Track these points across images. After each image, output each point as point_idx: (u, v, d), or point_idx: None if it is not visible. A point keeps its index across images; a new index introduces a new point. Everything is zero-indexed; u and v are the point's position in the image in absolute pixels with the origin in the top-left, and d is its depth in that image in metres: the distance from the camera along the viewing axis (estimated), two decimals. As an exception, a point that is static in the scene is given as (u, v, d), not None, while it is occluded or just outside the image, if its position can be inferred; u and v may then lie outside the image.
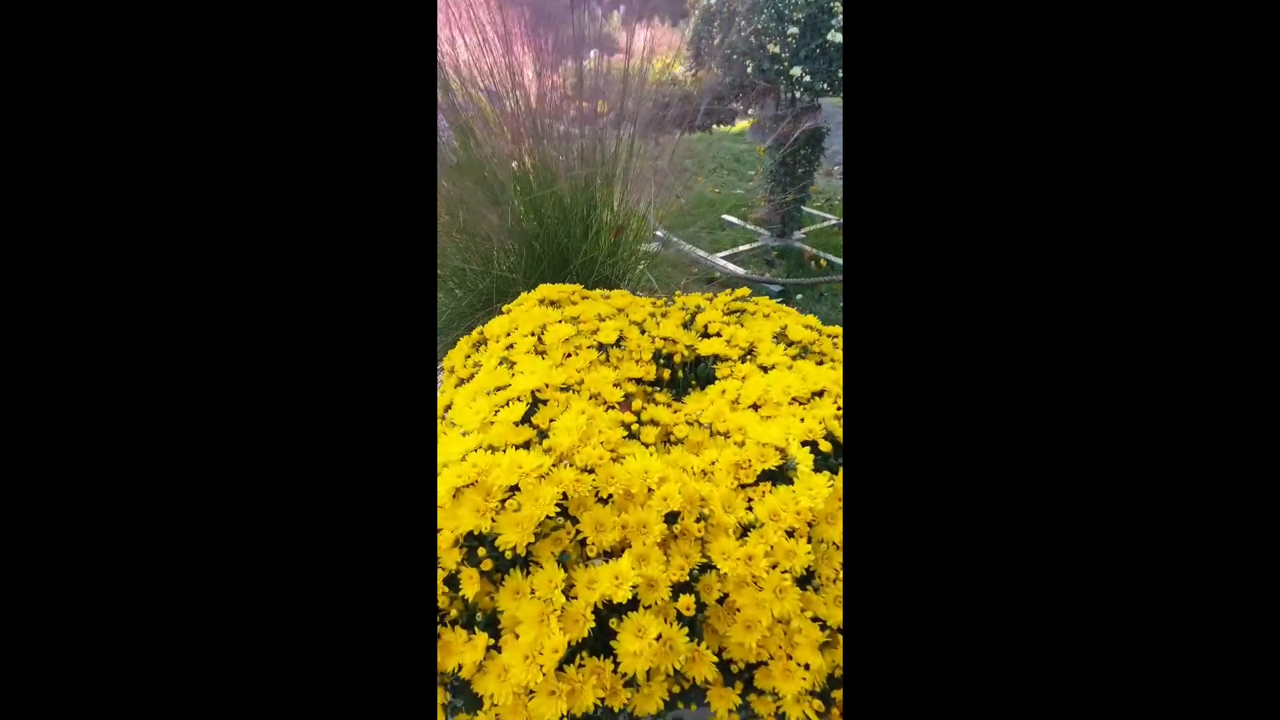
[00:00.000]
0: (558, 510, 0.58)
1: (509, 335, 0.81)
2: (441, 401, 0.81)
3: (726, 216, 2.82)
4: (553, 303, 0.88)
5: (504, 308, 0.89)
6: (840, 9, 1.86)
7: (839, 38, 1.83)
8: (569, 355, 0.78)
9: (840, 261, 2.43)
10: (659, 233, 1.65)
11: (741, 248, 2.52)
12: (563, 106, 1.23)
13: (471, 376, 0.81)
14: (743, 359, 0.81)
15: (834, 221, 2.85)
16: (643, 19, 1.32)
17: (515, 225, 1.16)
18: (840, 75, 1.91)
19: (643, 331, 0.84)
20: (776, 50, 1.92)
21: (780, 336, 0.85)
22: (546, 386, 0.69)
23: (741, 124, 2.78)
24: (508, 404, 0.68)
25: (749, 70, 2.00)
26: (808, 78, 1.93)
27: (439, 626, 0.58)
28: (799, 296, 2.18)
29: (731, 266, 2.29)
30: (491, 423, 0.67)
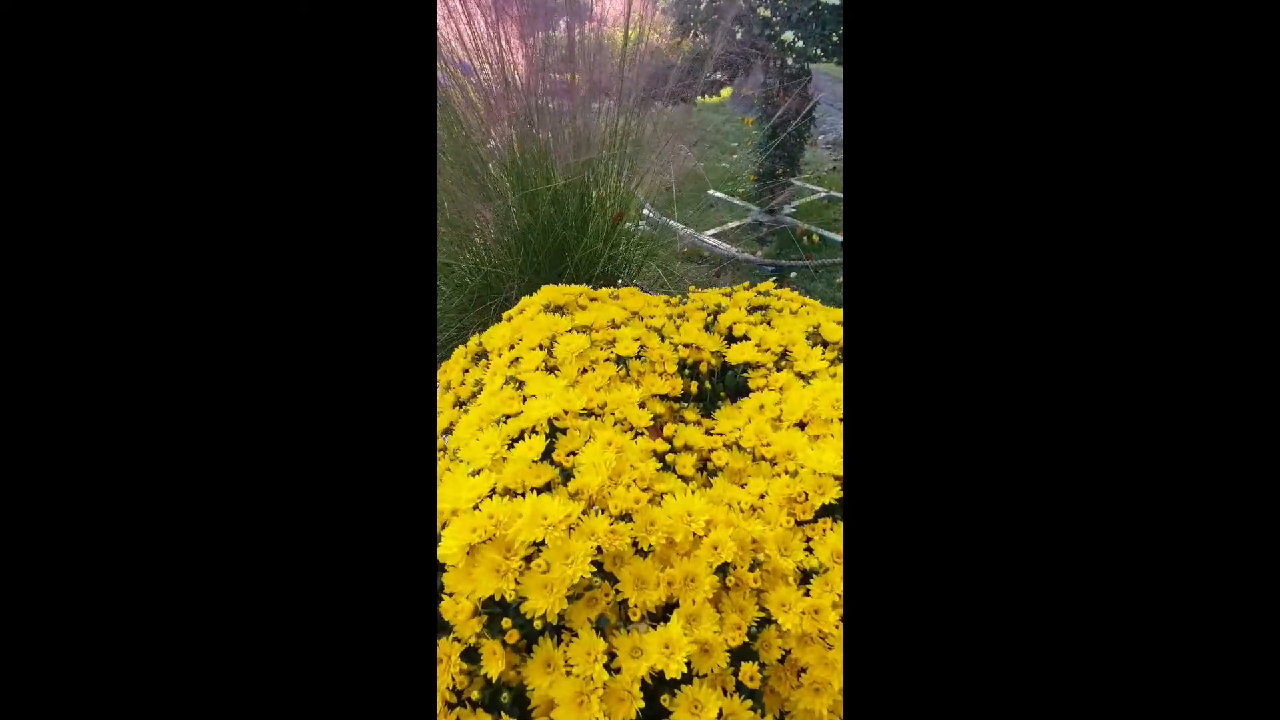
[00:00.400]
0: (592, 568, 0.49)
1: (513, 349, 0.72)
2: (438, 423, 0.71)
3: (713, 192, 2.71)
4: (558, 308, 0.78)
5: (504, 315, 0.79)
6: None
7: (834, -1, 1.72)
8: (584, 371, 0.68)
9: (833, 236, 2.35)
10: (648, 213, 1.55)
11: (730, 225, 2.42)
12: (540, 81, 1.11)
13: (473, 396, 0.72)
14: (777, 365, 0.72)
15: (823, 194, 2.76)
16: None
17: (508, 219, 1.05)
18: (835, 39, 1.80)
19: (663, 338, 0.75)
20: (767, 14, 1.80)
21: (814, 336, 0.76)
22: (565, 413, 0.60)
23: (725, 91, 2.66)
24: (522, 436, 0.59)
25: (737, 36, 1.89)
26: (800, 43, 1.82)
27: (458, 709, 0.50)
28: (793, 275, 2.10)
29: (723, 245, 2.20)
30: (504, 459, 0.58)
